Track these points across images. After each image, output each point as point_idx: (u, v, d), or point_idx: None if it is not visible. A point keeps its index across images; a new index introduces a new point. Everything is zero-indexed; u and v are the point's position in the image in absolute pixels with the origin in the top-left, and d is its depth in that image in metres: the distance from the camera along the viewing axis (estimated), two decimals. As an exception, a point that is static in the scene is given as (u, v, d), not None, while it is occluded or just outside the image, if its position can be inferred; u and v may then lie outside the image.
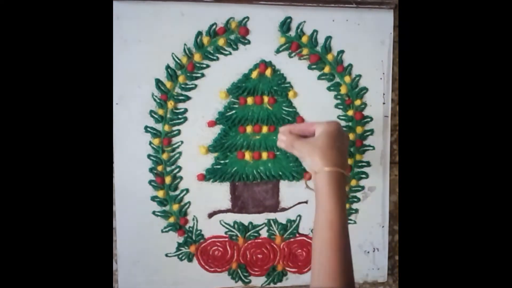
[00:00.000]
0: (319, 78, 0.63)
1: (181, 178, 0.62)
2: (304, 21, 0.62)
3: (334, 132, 0.50)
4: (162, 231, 0.63)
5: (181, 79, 0.60)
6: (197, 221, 0.64)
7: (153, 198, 0.62)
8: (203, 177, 0.63)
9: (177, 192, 0.63)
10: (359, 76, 0.63)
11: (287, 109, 0.63)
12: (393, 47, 0.64)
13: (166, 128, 0.61)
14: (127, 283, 0.63)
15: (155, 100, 0.60)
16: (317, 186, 0.48)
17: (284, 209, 0.65)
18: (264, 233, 0.65)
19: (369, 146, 0.65)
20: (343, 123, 0.64)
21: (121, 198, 0.61)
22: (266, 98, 0.62)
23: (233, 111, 0.62)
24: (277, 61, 0.62)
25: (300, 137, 0.52)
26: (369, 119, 0.64)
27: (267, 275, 0.66)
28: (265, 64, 0.62)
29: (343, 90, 0.63)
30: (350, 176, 0.65)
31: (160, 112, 0.61)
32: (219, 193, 0.63)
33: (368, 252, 0.67)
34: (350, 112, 0.64)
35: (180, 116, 0.61)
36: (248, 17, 0.61)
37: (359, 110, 0.64)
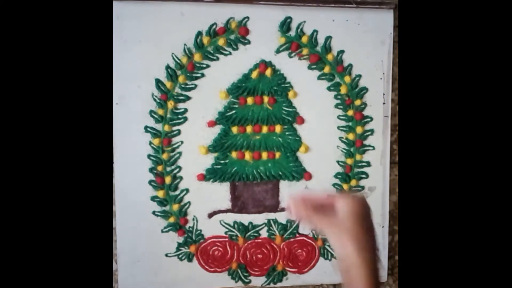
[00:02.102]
0: (319, 78, 0.63)
1: (181, 178, 0.62)
2: (304, 21, 0.62)
3: (360, 211, 0.43)
4: (162, 231, 0.63)
5: (181, 79, 0.60)
6: (197, 221, 0.64)
7: (153, 198, 0.62)
8: (203, 177, 0.63)
9: (177, 192, 0.63)
10: (359, 76, 0.63)
11: (287, 109, 0.63)
12: (393, 47, 0.64)
13: (166, 128, 0.61)
14: (127, 283, 0.63)
15: (155, 100, 0.60)
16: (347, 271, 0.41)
17: (284, 209, 0.65)
18: (264, 233, 0.65)
19: (369, 146, 0.65)
20: (343, 123, 0.64)
21: (121, 198, 0.61)
22: (266, 98, 0.62)
23: (233, 111, 0.62)
24: (277, 61, 0.62)
25: (317, 210, 0.43)
26: (369, 119, 0.64)
27: (267, 275, 0.66)
28: (265, 64, 0.62)
29: (343, 90, 0.63)
30: (350, 176, 0.65)
31: (160, 112, 0.61)
32: (219, 193, 0.63)
33: (368, 252, 0.67)
34: (350, 112, 0.64)
35: (180, 116, 0.61)
36: (248, 17, 0.61)
37: (359, 110, 0.64)
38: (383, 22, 0.63)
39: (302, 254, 0.66)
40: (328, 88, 0.63)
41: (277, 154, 0.63)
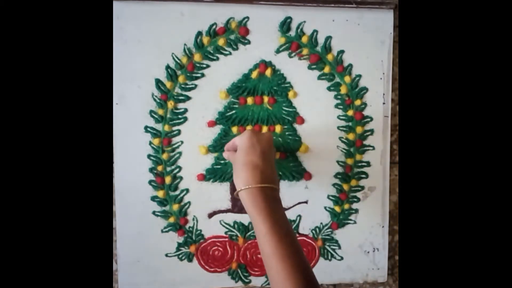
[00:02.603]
0: (319, 78, 0.63)
1: (181, 178, 0.62)
2: (304, 21, 0.62)
3: (243, 146, 0.50)
4: (162, 231, 0.63)
5: (181, 79, 0.60)
6: (197, 221, 0.64)
7: (153, 198, 0.62)
8: (203, 177, 0.63)
9: (177, 192, 0.63)
10: (359, 76, 0.63)
11: (287, 109, 0.63)
12: (393, 47, 0.64)
13: (166, 128, 0.61)
14: (127, 283, 0.63)
15: (155, 100, 0.60)
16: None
17: (284, 209, 0.65)
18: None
19: (369, 146, 0.65)
20: (343, 123, 0.64)
21: (121, 198, 0.61)
22: (266, 98, 0.62)
23: (233, 111, 0.62)
24: (277, 61, 0.62)
25: (234, 153, 0.52)
26: (369, 119, 0.64)
27: (267, 275, 0.66)
28: (265, 64, 0.62)
29: (343, 90, 0.63)
30: (350, 176, 0.65)
31: (160, 112, 0.61)
32: (219, 193, 0.63)
33: (368, 252, 0.67)
34: (350, 112, 0.64)
35: (180, 116, 0.61)
36: (248, 17, 0.61)
37: (359, 110, 0.64)
38: (383, 22, 0.63)
39: (302, 254, 0.66)
40: (328, 88, 0.63)
41: (277, 154, 0.63)
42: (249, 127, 0.62)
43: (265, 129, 0.63)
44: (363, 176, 0.65)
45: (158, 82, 0.60)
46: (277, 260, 0.43)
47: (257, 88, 0.62)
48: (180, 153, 0.62)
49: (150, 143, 0.61)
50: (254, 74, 0.61)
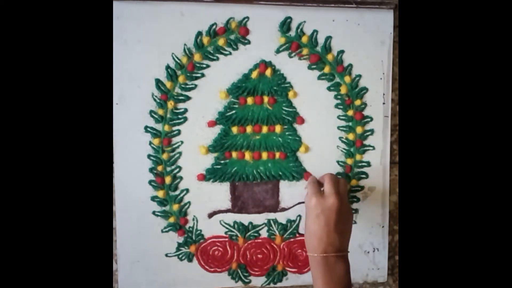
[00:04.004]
0: (319, 78, 0.63)
1: (181, 178, 0.62)
2: (304, 21, 0.62)
3: (309, 213, 0.54)
4: (162, 231, 0.63)
5: (181, 79, 0.60)
6: (197, 221, 0.64)
7: (153, 198, 0.62)
8: (203, 177, 0.63)
9: (177, 192, 0.63)
10: (359, 76, 0.63)
11: (287, 109, 0.63)
12: (393, 47, 0.64)
13: (166, 128, 0.61)
14: (127, 283, 0.63)
15: (155, 100, 0.60)
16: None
17: (284, 209, 0.65)
18: (264, 233, 0.65)
19: (369, 146, 0.65)
20: (343, 123, 0.64)
21: (121, 198, 0.61)
22: (266, 98, 0.62)
23: (233, 111, 0.62)
24: (277, 61, 0.62)
25: (320, 191, 0.55)
26: (369, 119, 0.64)
27: (267, 275, 0.66)
28: (265, 64, 0.62)
29: (343, 90, 0.63)
30: (350, 176, 0.65)
31: (160, 112, 0.61)
32: (219, 193, 0.63)
33: (368, 252, 0.67)
34: (350, 112, 0.64)
35: (180, 116, 0.61)
36: (248, 17, 0.61)
37: (359, 110, 0.64)
38: (383, 22, 0.63)
39: (302, 254, 0.66)
40: (328, 88, 0.63)
41: (277, 154, 0.63)
42: (249, 127, 0.62)
43: (265, 129, 0.63)
44: (363, 176, 0.66)
45: (158, 82, 0.60)
46: None
47: (257, 88, 0.62)
48: (180, 153, 0.62)
49: (150, 143, 0.61)
50: (254, 74, 0.61)
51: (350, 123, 0.64)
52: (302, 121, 0.63)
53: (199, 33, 0.60)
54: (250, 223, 0.64)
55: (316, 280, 0.51)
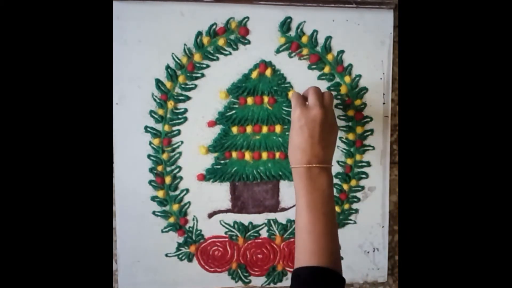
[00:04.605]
0: (319, 78, 0.63)
1: (181, 178, 0.62)
2: (304, 21, 0.62)
3: (293, 126, 0.52)
4: (162, 231, 0.63)
5: (181, 79, 0.60)
6: (197, 221, 0.64)
7: (153, 198, 0.62)
8: (203, 177, 0.63)
9: (177, 192, 0.63)
10: (359, 76, 0.63)
11: (287, 109, 0.63)
12: (393, 47, 0.64)
13: (166, 128, 0.61)
14: (127, 283, 0.63)
15: (155, 100, 0.60)
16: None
17: (284, 209, 0.65)
18: (264, 233, 0.65)
19: (369, 146, 0.65)
20: (343, 123, 0.64)
21: (121, 198, 0.61)
22: (266, 98, 0.62)
23: (233, 111, 0.62)
24: (277, 61, 0.62)
25: (304, 103, 0.53)
26: (369, 119, 0.64)
27: (267, 275, 0.66)
28: (265, 64, 0.62)
29: (343, 90, 0.63)
30: (350, 176, 0.65)
31: (160, 112, 0.61)
32: (219, 193, 0.63)
33: (368, 252, 0.67)
34: (350, 112, 0.64)
35: (180, 116, 0.61)
36: (248, 17, 0.61)
37: (359, 110, 0.64)
38: (383, 22, 0.63)
39: (302, 254, 0.66)
40: (328, 88, 0.63)
41: (277, 154, 0.63)
42: (249, 127, 0.62)
43: (265, 129, 0.63)
44: (363, 176, 0.65)
45: (158, 82, 0.60)
46: (307, 234, 0.48)
47: (257, 88, 0.62)
48: (180, 153, 0.62)
49: (150, 143, 0.61)
50: (254, 74, 0.61)
51: (350, 123, 0.64)
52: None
53: (199, 33, 0.60)
54: (250, 223, 0.64)
55: (298, 191, 0.50)
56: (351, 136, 0.64)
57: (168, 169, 0.62)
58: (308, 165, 0.50)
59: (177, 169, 0.62)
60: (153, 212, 0.62)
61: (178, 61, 0.60)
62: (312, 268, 0.47)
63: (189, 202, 0.63)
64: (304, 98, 0.53)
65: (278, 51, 0.62)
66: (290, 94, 0.61)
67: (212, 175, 0.63)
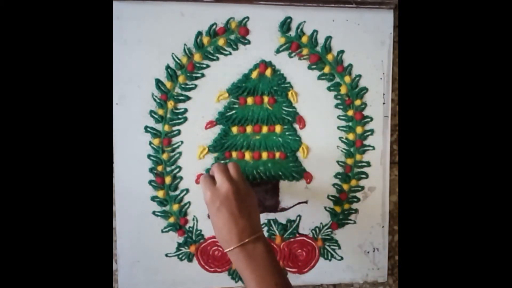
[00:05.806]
0: (319, 78, 0.63)
1: (181, 178, 0.62)
2: (304, 21, 0.62)
3: (207, 205, 0.51)
4: (162, 231, 0.63)
5: (181, 79, 0.60)
6: (197, 221, 0.64)
7: (153, 198, 0.62)
8: (203, 177, 0.63)
9: (177, 192, 0.63)
10: (359, 76, 0.63)
11: (287, 109, 0.63)
12: (393, 47, 0.64)
13: (166, 128, 0.61)
14: (127, 283, 0.63)
15: (155, 100, 0.60)
16: None
17: (284, 209, 0.65)
18: (264, 233, 0.65)
19: (369, 146, 0.65)
20: (343, 123, 0.64)
21: (121, 198, 0.61)
22: (266, 98, 0.62)
23: (233, 111, 0.62)
24: (277, 61, 0.62)
25: (212, 183, 0.51)
26: (369, 119, 0.64)
27: (267, 275, 0.66)
28: (265, 64, 0.62)
29: (343, 90, 0.63)
30: (350, 176, 0.65)
31: (160, 112, 0.61)
32: (219, 193, 0.63)
33: (368, 252, 0.67)
34: (350, 112, 0.64)
35: (180, 116, 0.61)
36: (248, 17, 0.61)
37: (359, 110, 0.64)
38: (383, 22, 0.63)
39: (302, 254, 0.66)
40: (328, 88, 0.63)
41: (277, 154, 0.63)
42: (249, 127, 0.62)
43: (265, 129, 0.63)
44: (363, 176, 0.66)
45: (158, 82, 0.60)
46: None
47: (257, 88, 0.62)
48: (180, 153, 0.62)
49: (150, 143, 0.61)
50: (254, 74, 0.61)
51: (350, 123, 0.64)
52: (302, 121, 0.63)
53: (199, 33, 0.60)
54: (250, 223, 0.64)
55: (243, 272, 0.48)
56: (351, 136, 0.64)
57: (168, 169, 0.62)
58: (240, 243, 0.48)
59: (177, 169, 0.62)
60: (153, 212, 0.62)
61: (178, 61, 0.60)
62: None
63: (189, 202, 0.63)
64: (212, 178, 0.52)
65: (278, 51, 0.62)
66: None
67: (212, 175, 0.63)
